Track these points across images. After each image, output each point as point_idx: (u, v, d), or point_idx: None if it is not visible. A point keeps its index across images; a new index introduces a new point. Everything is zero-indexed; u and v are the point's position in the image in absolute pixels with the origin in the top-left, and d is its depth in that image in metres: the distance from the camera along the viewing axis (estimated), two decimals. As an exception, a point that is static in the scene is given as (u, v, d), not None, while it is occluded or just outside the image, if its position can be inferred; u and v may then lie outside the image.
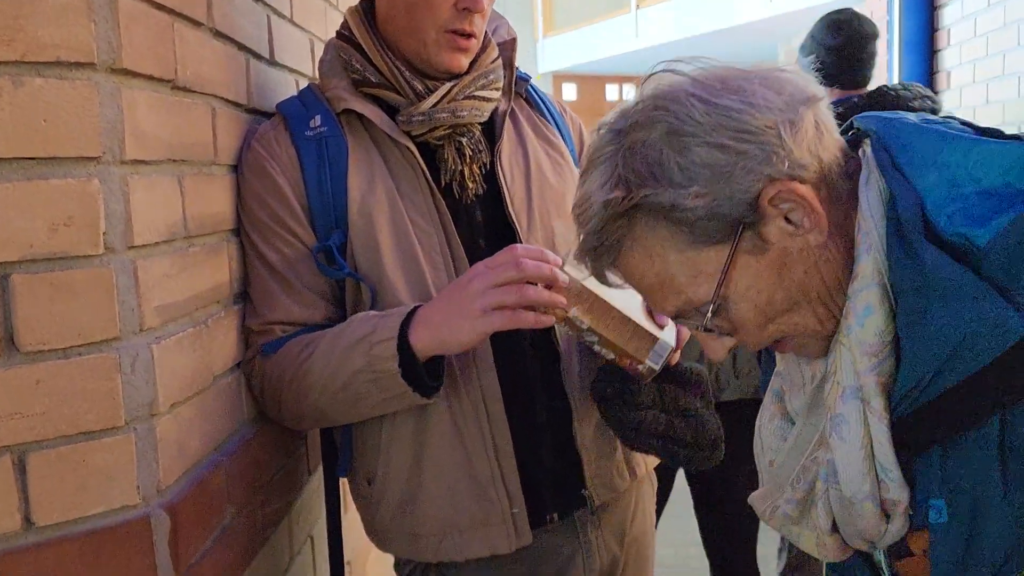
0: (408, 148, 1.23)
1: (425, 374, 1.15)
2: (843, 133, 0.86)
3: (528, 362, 1.26)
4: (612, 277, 0.87)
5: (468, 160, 1.24)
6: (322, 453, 1.39)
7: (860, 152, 0.83)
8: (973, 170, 0.75)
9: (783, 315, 0.82)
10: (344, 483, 1.43)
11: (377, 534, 1.32)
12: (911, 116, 0.84)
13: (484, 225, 1.27)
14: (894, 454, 0.78)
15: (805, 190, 0.77)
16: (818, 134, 0.79)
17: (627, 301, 1.15)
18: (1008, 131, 0.80)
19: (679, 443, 1.20)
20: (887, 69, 4.25)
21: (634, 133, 0.79)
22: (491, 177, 1.29)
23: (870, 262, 0.77)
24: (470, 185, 1.25)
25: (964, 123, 0.83)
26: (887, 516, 0.81)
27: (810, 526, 0.86)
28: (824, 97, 0.81)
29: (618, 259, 0.83)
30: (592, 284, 1.14)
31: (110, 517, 0.91)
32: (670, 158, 0.77)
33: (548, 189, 1.33)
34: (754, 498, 0.93)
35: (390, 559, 1.41)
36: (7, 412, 0.85)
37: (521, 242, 1.27)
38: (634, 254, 0.82)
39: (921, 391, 0.75)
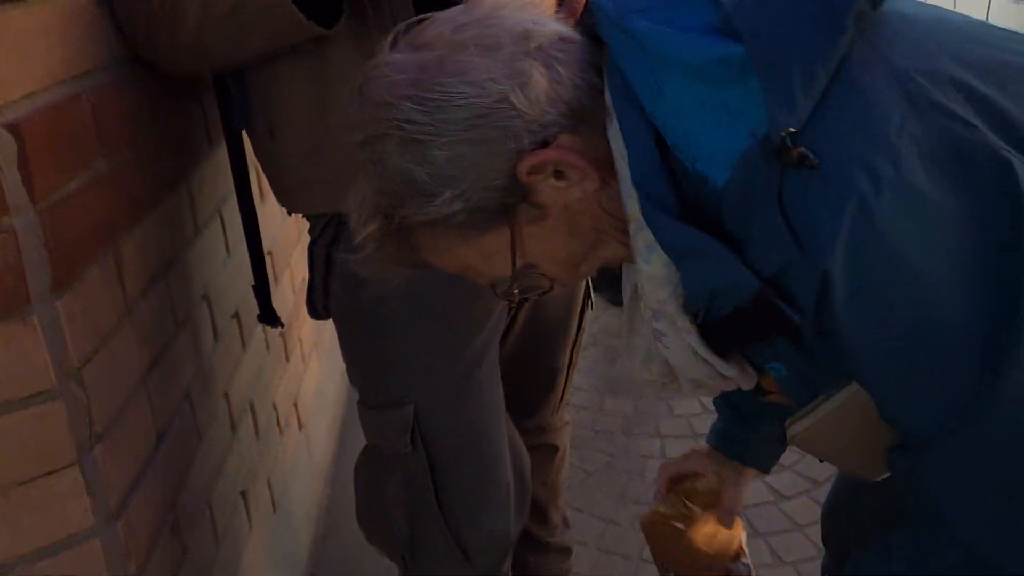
0: None
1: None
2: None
3: None
4: None
5: None
6: (219, 107, 1.22)
7: (604, 65, 0.75)
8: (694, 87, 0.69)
9: (589, 256, 0.82)
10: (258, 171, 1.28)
11: (286, 192, 1.19)
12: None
13: None
14: (713, 352, 0.80)
15: (558, 151, 0.73)
16: (552, 77, 0.72)
17: None
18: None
19: None
20: None
21: (370, 147, 0.75)
22: None
23: (634, 204, 0.74)
24: None
25: None
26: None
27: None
28: (547, 26, 0.74)
29: (415, 260, 0.82)
30: None
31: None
32: (414, 170, 0.73)
33: None
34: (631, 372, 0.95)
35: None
36: None
37: None
38: (425, 254, 0.81)
39: (706, 313, 0.77)
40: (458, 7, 0.77)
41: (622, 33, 0.72)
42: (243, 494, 1.49)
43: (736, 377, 0.83)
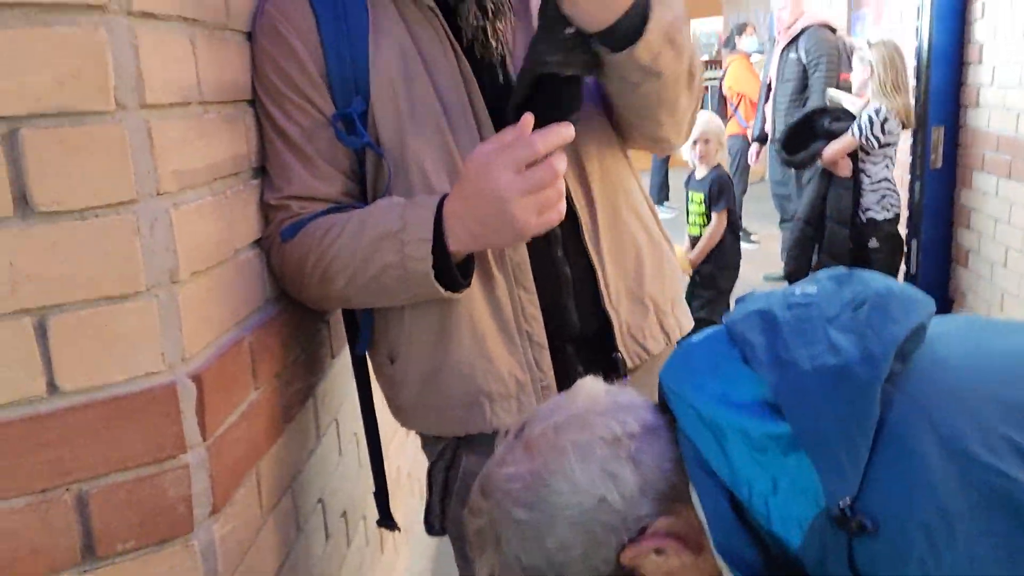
0: (428, 6, 1.16)
1: (458, 274, 1.12)
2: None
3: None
4: None
5: (491, 16, 1.17)
6: (347, 334, 1.36)
7: (679, 438, 0.85)
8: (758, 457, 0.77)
9: None
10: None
11: (401, 412, 1.31)
12: (703, 389, 0.82)
13: (507, 87, 1.21)
14: None
15: (654, 539, 0.82)
16: (641, 472, 0.83)
17: None
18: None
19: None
20: (915, 35, 4.16)
21: (492, 532, 0.86)
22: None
23: (723, 561, 0.81)
24: (493, 44, 1.18)
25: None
26: None
27: None
28: (632, 424, 0.84)
29: None
30: None
31: (136, 383, 0.89)
32: (530, 557, 0.84)
33: None
34: None
35: (414, 444, 1.41)
36: (26, 274, 0.82)
37: None
38: None
39: None
40: (555, 401, 0.90)
41: (686, 407, 0.82)
42: None
43: None
